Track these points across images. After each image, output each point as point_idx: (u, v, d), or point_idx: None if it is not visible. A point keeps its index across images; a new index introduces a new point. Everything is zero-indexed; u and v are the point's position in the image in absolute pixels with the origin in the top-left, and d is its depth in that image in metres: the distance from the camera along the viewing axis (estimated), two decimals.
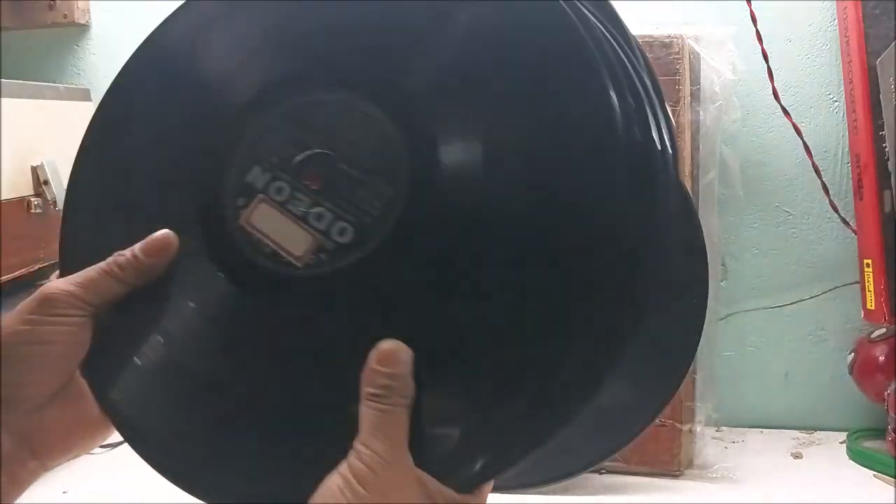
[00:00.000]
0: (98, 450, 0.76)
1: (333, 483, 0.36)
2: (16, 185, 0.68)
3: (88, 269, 0.45)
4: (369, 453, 0.36)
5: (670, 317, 0.45)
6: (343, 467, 0.36)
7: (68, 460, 0.48)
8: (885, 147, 0.69)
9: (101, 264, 0.44)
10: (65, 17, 0.89)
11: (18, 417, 0.45)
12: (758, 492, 0.68)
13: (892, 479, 0.69)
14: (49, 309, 0.46)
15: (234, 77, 0.44)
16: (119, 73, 0.51)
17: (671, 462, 0.70)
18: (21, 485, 0.45)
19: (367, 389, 0.37)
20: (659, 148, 0.36)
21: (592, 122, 0.35)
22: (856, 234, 0.75)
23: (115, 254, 0.44)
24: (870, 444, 0.75)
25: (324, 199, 0.39)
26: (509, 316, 0.36)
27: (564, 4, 0.37)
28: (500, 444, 0.36)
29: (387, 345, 0.37)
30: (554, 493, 0.67)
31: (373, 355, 0.37)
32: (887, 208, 0.69)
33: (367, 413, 0.37)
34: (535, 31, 0.37)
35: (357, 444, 0.37)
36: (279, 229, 0.40)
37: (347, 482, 0.36)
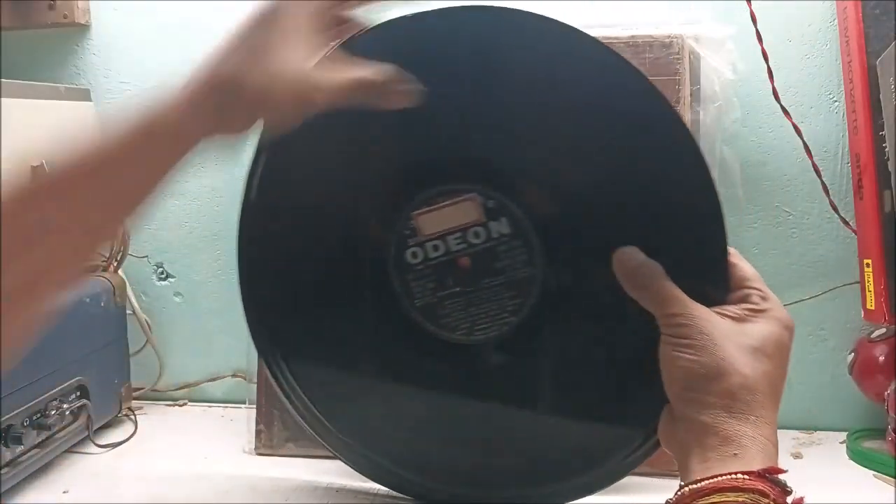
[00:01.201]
0: (98, 450, 0.77)
1: (669, 353, 0.48)
2: None
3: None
4: (677, 316, 0.48)
5: None
6: (668, 339, 0.48)
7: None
8: (885, 147, 0.69)
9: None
10: (65, 17, 0.89)
11: None
12: None
13: (892, 479, 0.69)
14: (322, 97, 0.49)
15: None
16: None
17: (672, 462, 0.70)
18: None
19: (634, 286, 0.51)
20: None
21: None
22: (856, 234, 0.75)
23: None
24: (870, 444, 0.75)
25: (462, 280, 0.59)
26: None
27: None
28: None
29: (621, 252, 0.52)
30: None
31: (620, 264, 0.51)
32: (887, 208, 0.69)
33: (648, 296, 0.50)
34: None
35: (664, 318, 0.49)
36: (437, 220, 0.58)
37: (677, 343, 0.48)
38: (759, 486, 0.42)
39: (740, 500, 0.42)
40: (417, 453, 0.63)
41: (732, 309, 0.49)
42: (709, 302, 0.50)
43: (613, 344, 0.58)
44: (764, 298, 0.50)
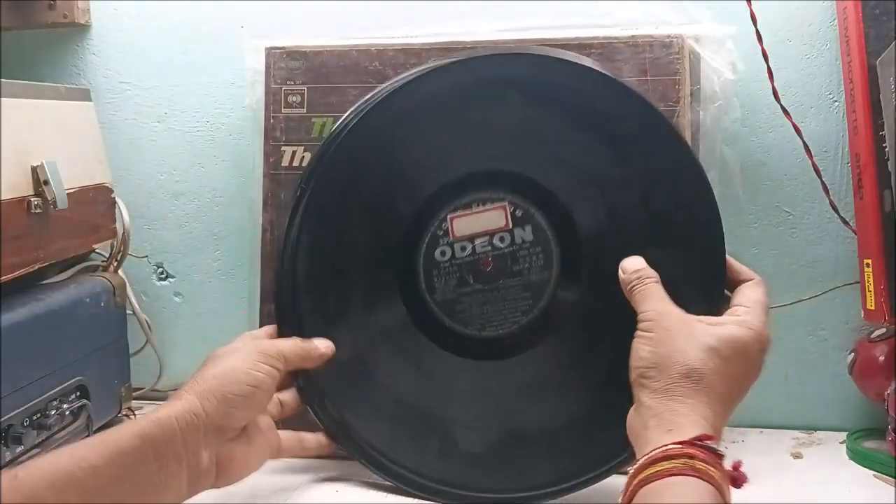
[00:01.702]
0: None
1: (635, 344, 0.54)
2: (16, 185, 0.68)
3: (291, 341, 0.63)
4: (648, 311, 0.55)
5: None
6: (637, 333, 0.55)
7: (225, 486, 0.58)
8: (885, 147, 0.69)
9: (300, 344, 0.63)
10: (65, 17, 0.89)
11: (220, 443, 0.55)
12: (758, 492, 0.67)
13: (892, 479, 0.69)
14: (274, 361, 0.60)
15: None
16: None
17: None
18: (190, 497, 0.55)
19: (628, 287, 0.58)
20: None
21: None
22: (856, 234, 0.75)
23: (309, 343, 0.64)
24: (870, 444, 0.75)
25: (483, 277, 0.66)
26: None
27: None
28: None
29: (627, 260, 0.59)
30: (552, 496, 0.67)
31: (622, 270, 0.59)
32: (887, 208, 0.69)
33: (636, 296, 0.57)
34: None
35: (639, 315, 0.55)
36: (466, 225, 0.66)
37: (642, 336, 0.54)
38: (688, 450, 0.46)
39: (672, 466, 0.45)
40: (410, 437, 0.67)
41: (714, 318, 0.55)
42: (701, 310, 0.57)
43: (615, 347, 0.60)
44: (747, 311, 0.55)
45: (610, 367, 0.61)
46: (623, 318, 0.59)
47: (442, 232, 0.66)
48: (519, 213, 0.65)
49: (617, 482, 0.63)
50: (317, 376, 0.67)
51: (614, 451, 0.62)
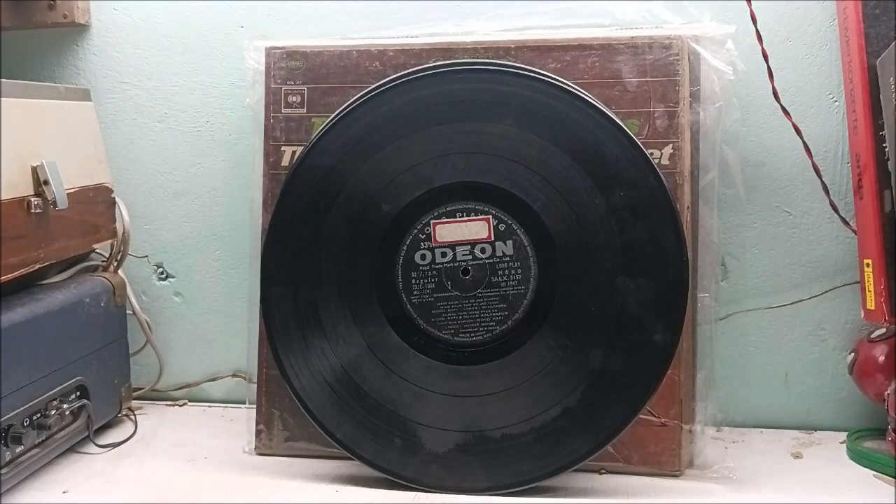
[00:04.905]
0: (98, 450, 0.77)
1: None
2: (16, 185, 0.68)
3: None
4: None
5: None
6: None
7: None
8: (885, 147, 0.69)
9: None
10: (65, 17, 0.89)
11: None
12: (758, 492, 0.68)
13: (892, 479, 0.69)
14: None
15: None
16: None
17: (672, 462, 0.70)
18: None
19: None
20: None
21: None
22: (856, 234, 0.75)
23: None
24: (870, 444, 0.75)
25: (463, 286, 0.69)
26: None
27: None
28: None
29: None
30: (553, 495, 0.67)
31: None
32: (887, 208, 0.69)
33: None
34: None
35: None
36: (449, 232, 0.68)
37: None
38: None
39: None
40: (373, 431, 0.69)
41: None
42: (661, 338, 0.65)
43: (582, 363, 0.66)
44: None
45: (575, 381, 0.66)
46: (591, 339, 0.65)
47: (424, 236, 0.68)
48: (502, 227, 0.67)
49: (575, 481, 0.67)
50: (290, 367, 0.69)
51: (572, 457, 0.66)
